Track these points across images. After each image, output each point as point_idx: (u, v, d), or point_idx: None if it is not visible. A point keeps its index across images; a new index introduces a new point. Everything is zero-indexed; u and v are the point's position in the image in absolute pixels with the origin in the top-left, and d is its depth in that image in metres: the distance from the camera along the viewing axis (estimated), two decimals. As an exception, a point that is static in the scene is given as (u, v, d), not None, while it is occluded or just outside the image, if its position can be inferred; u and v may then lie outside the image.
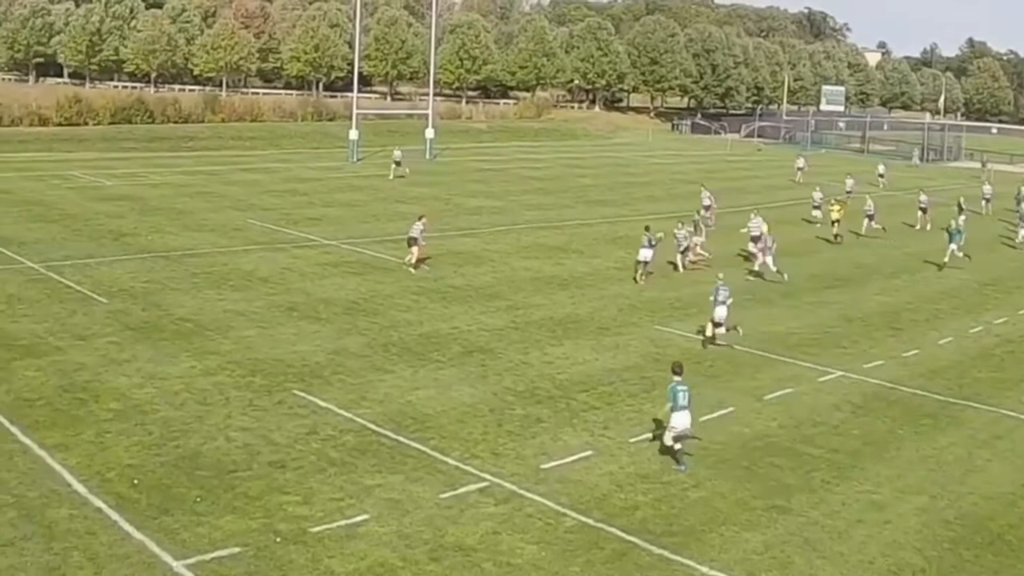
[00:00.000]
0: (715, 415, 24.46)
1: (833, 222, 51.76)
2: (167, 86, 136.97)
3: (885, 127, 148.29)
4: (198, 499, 18.57)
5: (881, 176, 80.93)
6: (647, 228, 40.26)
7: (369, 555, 16.93)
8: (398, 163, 71.65)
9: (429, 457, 21.11)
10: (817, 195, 58.23)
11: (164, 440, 21.27)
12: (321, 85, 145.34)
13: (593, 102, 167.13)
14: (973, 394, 27.46)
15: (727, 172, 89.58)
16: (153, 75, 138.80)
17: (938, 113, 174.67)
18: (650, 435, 22.66)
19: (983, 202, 66.71)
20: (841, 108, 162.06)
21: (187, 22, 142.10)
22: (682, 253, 41.77)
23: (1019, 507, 20.28)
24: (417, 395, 24.93)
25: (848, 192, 65.82)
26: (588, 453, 21.81)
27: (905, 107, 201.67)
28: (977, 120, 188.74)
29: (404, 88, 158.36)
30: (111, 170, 69.33)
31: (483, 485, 19.86)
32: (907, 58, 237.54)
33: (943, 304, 38.82)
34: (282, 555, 16.76)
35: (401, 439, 22.01)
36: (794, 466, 21.72)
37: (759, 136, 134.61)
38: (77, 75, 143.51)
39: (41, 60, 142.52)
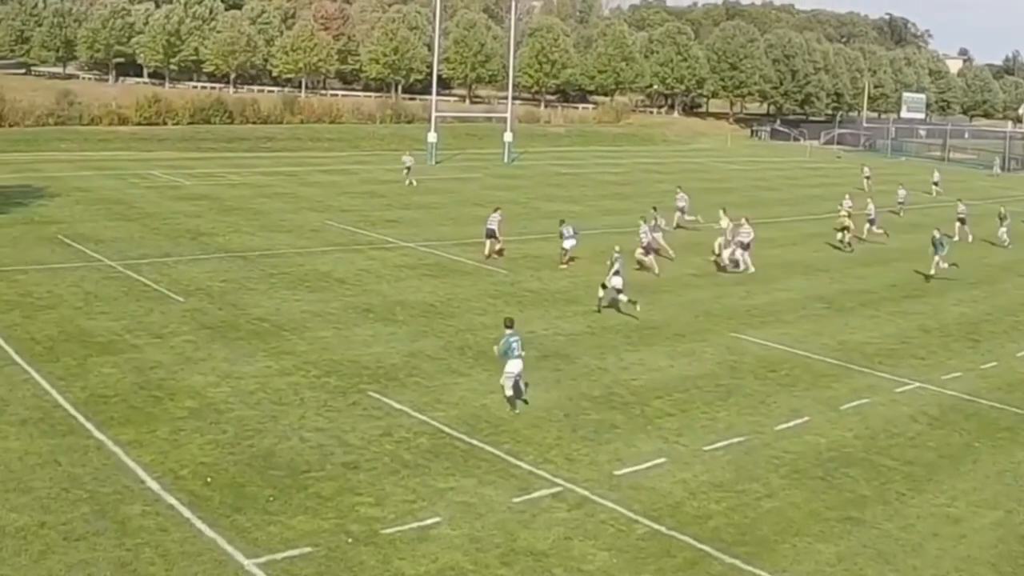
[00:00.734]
0: (790, 424, 24.27)
1: (840, 229, 50.58)
2: (246, 87, 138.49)
3: (966, 135, 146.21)
4: (271, 498, 18.68)
5: (935, 184, 79.23)
6: (562, 221, 42.89)
7: (440, 558, 16.94)
8: (408, 169, 68.04)
9: (502, 461, 21.08)
10: (847, 203, 56.32)
11: (238, 439, 21.45)
12: (400, 87, 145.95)
13: (672, 107, 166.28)
14: (1054, 408, 26.93)
15: (807, 179, 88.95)
16: (232, 76, 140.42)
17: (1020, 122, 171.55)
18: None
19: None
20: (922, 115, 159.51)
21: (266, 23, 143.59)
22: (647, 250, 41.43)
23: (1102, 525, 19.82)
24: (492, 399, 24.83)
25: (900, 203, 64.78)
26: (662, 460, 21.66)
27: (987, 115, 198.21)
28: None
29: (483, 91, 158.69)
30: (189, 170, 70.25)
31: (556, 490, 19.79)
32: (989, 65, 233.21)
33: (1022, 316, 38.20)
34: (353, 556, 16.80)
35: (475, 442, 22.01)
36: (869, 477, 21.43)
37: (838, 143, 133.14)
38: (156, 75, 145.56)
39: (121, 60, 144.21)
